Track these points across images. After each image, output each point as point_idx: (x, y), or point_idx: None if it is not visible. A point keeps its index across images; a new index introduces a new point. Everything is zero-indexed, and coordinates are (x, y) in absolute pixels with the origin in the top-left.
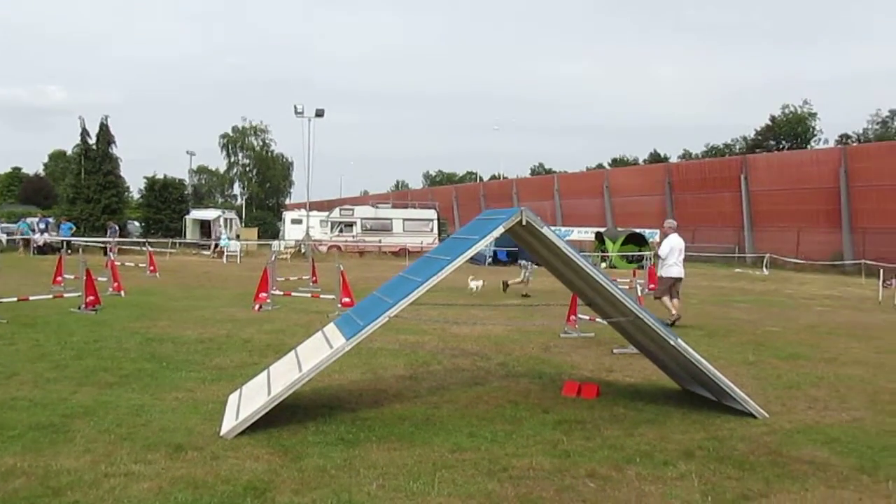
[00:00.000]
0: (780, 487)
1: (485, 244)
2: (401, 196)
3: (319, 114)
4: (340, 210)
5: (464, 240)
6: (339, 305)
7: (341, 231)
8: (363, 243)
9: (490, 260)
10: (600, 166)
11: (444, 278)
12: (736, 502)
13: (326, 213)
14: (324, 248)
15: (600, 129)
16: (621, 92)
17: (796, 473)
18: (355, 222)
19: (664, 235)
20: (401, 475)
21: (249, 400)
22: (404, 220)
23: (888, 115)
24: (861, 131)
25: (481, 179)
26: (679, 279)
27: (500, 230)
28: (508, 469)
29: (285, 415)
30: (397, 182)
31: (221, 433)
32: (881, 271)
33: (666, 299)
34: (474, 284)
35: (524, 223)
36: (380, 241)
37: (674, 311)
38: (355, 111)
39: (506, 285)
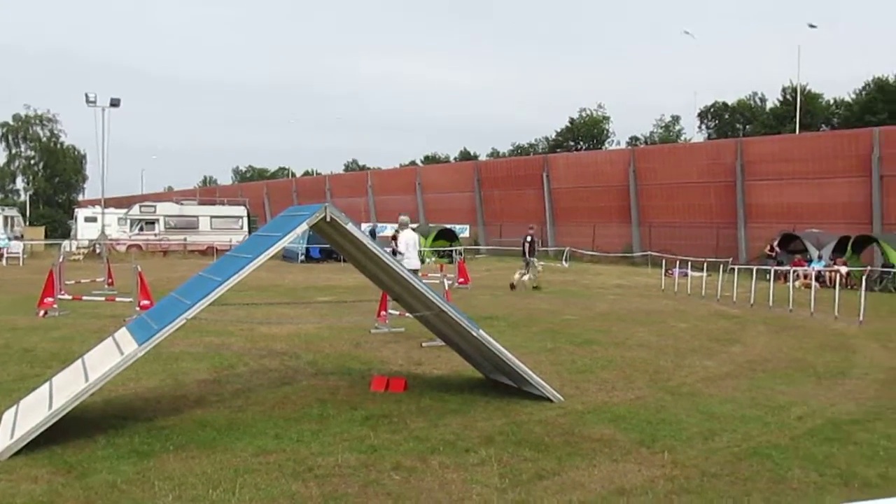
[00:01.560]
0: (571, 465)
1: (288, 241)
2: (208, 192)
3: (115, 103)
4: (140, 207)
5: (266, 237)
6: (138, 309)
7: (142, 229)
8: (167, 242)
9: (302, 257)
10: (413, 163)
11: (251, 277)
12: (531, 482)
13: (125, 210)
14: (122, 248)
15: (413, 127)
16: (434, 91)
17: (586, 451)
18: (158, 220)
19: (399, 231)
20: (199, 484)
21: (27, 415)
22: (212, 217)
23: (670, 119)
24: (648, 134)
25: (294, 175)
26: (415, 271)
27: (303, 227)
28: (314, 468)
29: (71, 429)
30: (205, 178)
31: None
32: (664, 262)
33: None
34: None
35: (329, 219)
36: (185, 240)
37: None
38: (158, 100)
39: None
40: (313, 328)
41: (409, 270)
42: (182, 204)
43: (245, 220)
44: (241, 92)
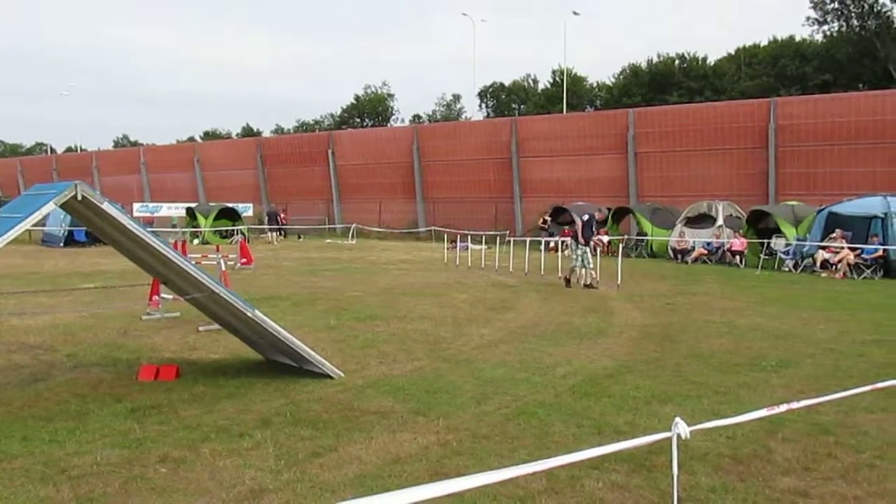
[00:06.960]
0: (349, 439)
1: (31, 223)
2: None
3: None
4: None
5: (7, 218)
6: None
7: None
8: None
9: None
10: (192, 139)
11: (1, 264)
12: (307, 460)
13: None
14: None
15: (191, 103)
16: (213, 65)
17: (364, 424)
18: None
19: None
20: None
21: None
22: None
23: (452, 98)
24: (431, 112)
25: (54, 151)
26: None
27: (49, 206)
28: (68, 470)
29: None
30: None
31: None
32: (445, 236)
33: None
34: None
35: (80, 198)
36: None
37: None
38: None
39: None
40: (75, 318)
41: None
42: None
43: None
44: None
